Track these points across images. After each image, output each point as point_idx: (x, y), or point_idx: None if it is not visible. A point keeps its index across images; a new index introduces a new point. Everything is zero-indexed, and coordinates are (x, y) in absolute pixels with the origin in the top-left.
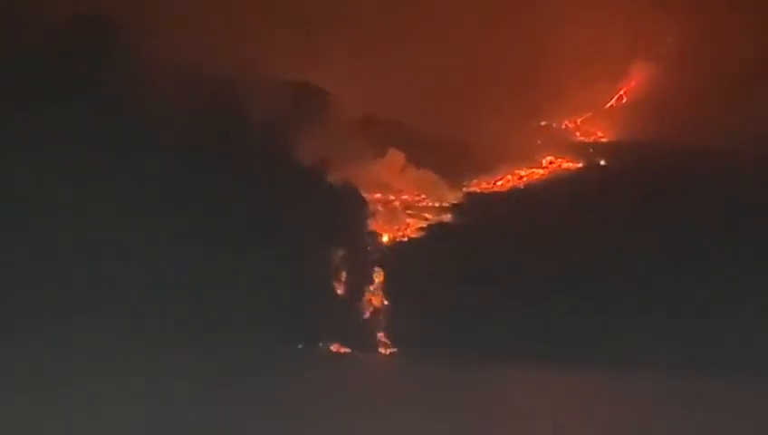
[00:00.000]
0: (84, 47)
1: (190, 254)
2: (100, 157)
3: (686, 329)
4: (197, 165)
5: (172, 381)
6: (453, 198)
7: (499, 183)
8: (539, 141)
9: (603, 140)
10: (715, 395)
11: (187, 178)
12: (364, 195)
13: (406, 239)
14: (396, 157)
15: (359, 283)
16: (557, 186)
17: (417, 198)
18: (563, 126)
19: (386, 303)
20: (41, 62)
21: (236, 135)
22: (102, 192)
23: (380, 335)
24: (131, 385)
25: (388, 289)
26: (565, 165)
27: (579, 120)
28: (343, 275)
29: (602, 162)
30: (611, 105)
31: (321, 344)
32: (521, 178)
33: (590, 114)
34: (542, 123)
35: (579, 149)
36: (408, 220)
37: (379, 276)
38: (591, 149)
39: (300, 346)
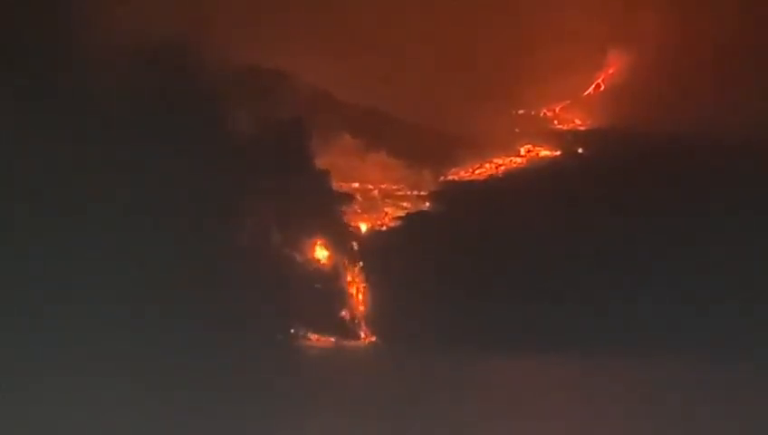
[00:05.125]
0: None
1: (160, 250)
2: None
3: (671, 316)
4: (155, 154)
5: (148, 376)
6: (431, 186)
7: (477, 172)
8: (517, 130)
9: (581, 128)
10: (708, 385)
11: (149, 167)
12: (342, 184)
13: (384, 228)
14: (373, 145)
15: (337, 272)
16: (535, 174)
17: (395, 187)
18: (541, 114)
19: (365, 292)
20: None
21: (217, 126)
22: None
23: (359, 326)
24: (109, 381)
25: (366, 279)
26: (543, 153)
27: (557, 109)
28: (321, 265)
29: (580, 150)
30: (589, 93)
31: (299, 336)
32: (498, 166)
33: (568, 102)
34: (520, 112)
35: (557, 138)
36: (387, 209)
37: (357, 266)
38: (570, 138)
39: (279, 337)
